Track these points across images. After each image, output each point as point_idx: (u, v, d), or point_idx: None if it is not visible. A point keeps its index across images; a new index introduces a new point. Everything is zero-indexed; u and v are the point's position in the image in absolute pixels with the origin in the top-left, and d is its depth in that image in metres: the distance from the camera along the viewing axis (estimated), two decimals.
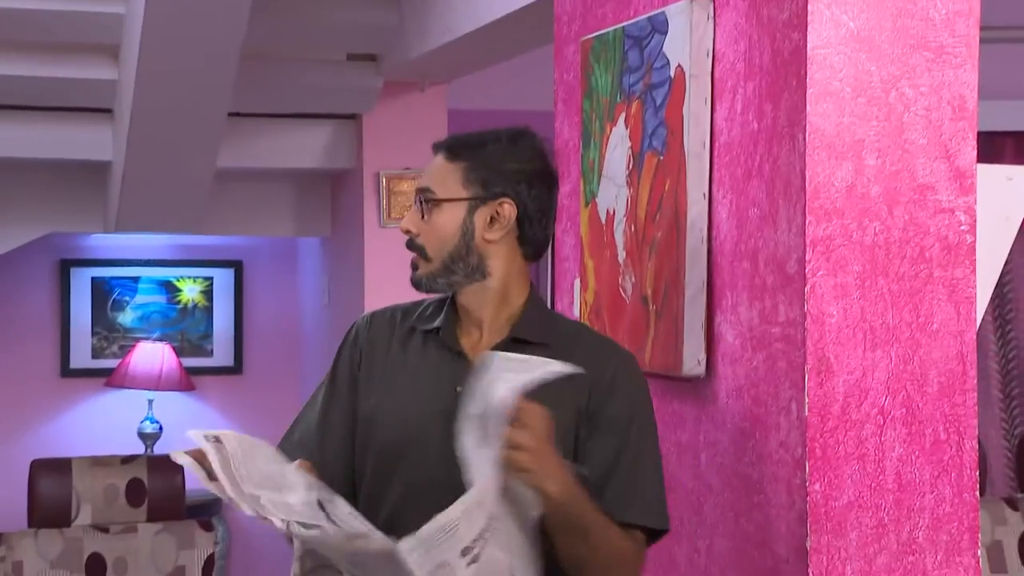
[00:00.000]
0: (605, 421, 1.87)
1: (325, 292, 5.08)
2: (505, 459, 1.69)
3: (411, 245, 1.93)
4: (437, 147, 1.95)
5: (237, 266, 5.34)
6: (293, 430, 2.04)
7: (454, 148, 1.92)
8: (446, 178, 1.90)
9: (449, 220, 1.90)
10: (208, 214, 4.52)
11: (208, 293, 5.29)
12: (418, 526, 1.69)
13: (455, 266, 1.90)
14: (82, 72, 3.99)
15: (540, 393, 1.79)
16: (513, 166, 1.90)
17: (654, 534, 1.91)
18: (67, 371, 5.05)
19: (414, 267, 1.94)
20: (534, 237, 1.92)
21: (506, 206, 1.90)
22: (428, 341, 1.96)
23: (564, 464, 1.77)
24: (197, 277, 5.30)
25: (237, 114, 4.19)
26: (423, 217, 1.91)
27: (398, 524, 1.78)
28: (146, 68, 3.62)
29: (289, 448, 1.97)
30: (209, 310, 5.30)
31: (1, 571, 3.99)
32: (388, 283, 4.32)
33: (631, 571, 1.87)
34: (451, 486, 1.77)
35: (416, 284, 1.95)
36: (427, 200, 1.91)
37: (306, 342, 5.36)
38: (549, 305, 2.26)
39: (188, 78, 3.68)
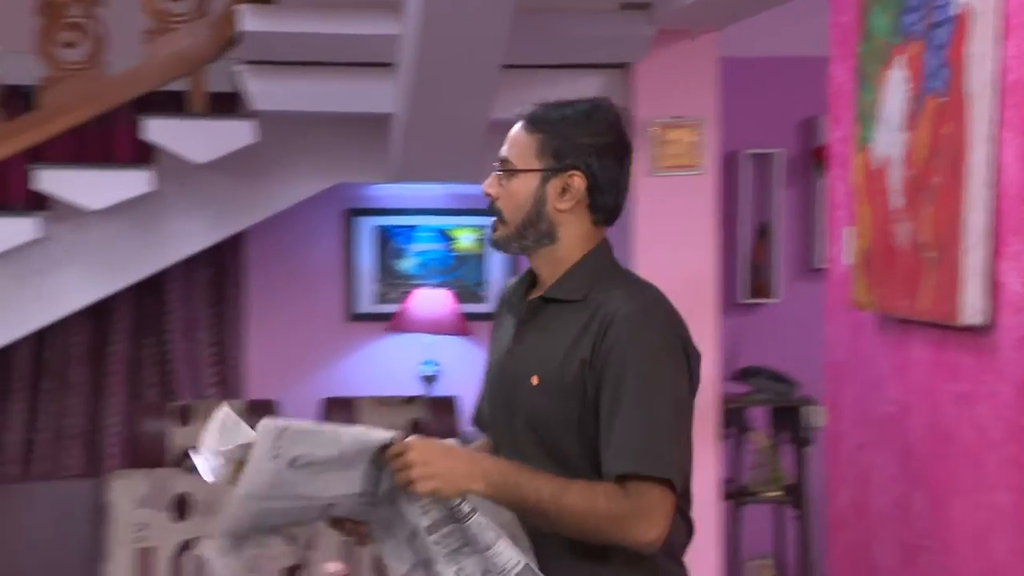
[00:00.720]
0: (606, 375, 1.92)
1: None
2: (400, 483, 1.88)
3: (491, 208, 2.06)
4: (519, 116, 2.07)
5: None
6: None
7: (532, 120, 2.03)
8: (523, 149, 2.02)
9: (523, 188, 2.01)
10: (482, 164, 4.65)
11: (482, 241, 5.46)
12: None
13: (527, 231, 2.02)
14: (365, 28, 4.17)
15: (569, 351, 1.94)
16: (585, 140, 1.99)
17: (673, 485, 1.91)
18: (353, 315, 5.32)
19: (494, 229, 2.06)
20: (604, 205, 2.02)
21: (576, 178, 2.00)
22: (508, 307, 2.13)
23: (477, 458, 1.90)
24: (471, 226, 5.47)
25: (511, 66, 4.29)
26: (503, 183, 2.03)
27: None
28: (427, 23, 3.75)
29: (475, 408, 2.24)
30: (482, 258, 5.47)
31: None
32: (658, 230, 4.35)
33: (625, 526, 1.87)
34: (507, 455, 1.98)
35: (494, 245, 2.08)
36: (505, 169, 2.03)
37: None
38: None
39: (466, 32, 3.80)
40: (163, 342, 4.99)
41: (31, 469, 4.92)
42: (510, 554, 1.88)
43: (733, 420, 4.77)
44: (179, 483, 4.20)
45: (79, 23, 4.14)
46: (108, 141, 4.86)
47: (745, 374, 4.84)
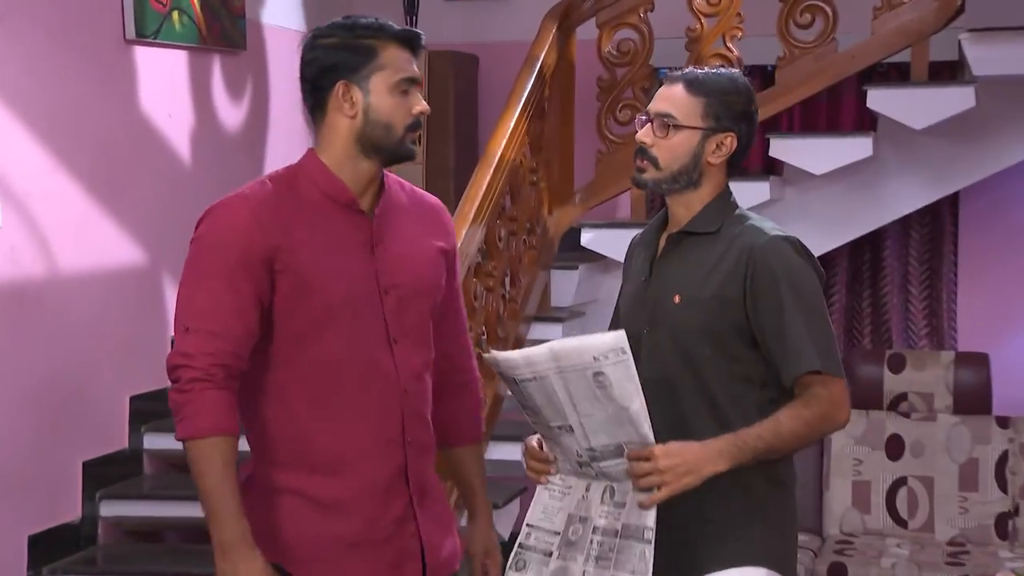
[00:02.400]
0: (758, 292, 2.25)
1: None
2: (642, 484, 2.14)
3: (643, 153, 2.35)
4: (674, 79, 2.36)
5: None
6: None
7: (693, 83, 2.34)
8: (687, 109, 2.33)
9: (685, 142, 2.33)
10: None
11: None
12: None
13: (680, 178, 2.34)
14: None
15: (709, 271, 2.27)
16: (739, 107, 2.34)
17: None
18: None
19: (641, 170, 2.36)
20: (739, 161, 2.38)
21: (730, 138, 2.34)
22: (641, 245, 2.46)
23: (706, 444, 2.17)
24: None
25: None
26: (662, 135, 2.32)
27: None
28: None
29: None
30: None
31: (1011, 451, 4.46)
32: None
33: (829, 420, 2.23)
34: (647, 359, 2.27)
35: (640, 184, 2.39)
36: (669, 124, 2.32)
37: None
38: None
39: None
40: (878, 294, 5.32)
41: None
42: None
43: None
44: (892, 425, 4.55)
45: (815, 5, 4.57)
46: (835, 111, 5.27)
47: None
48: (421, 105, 2.24)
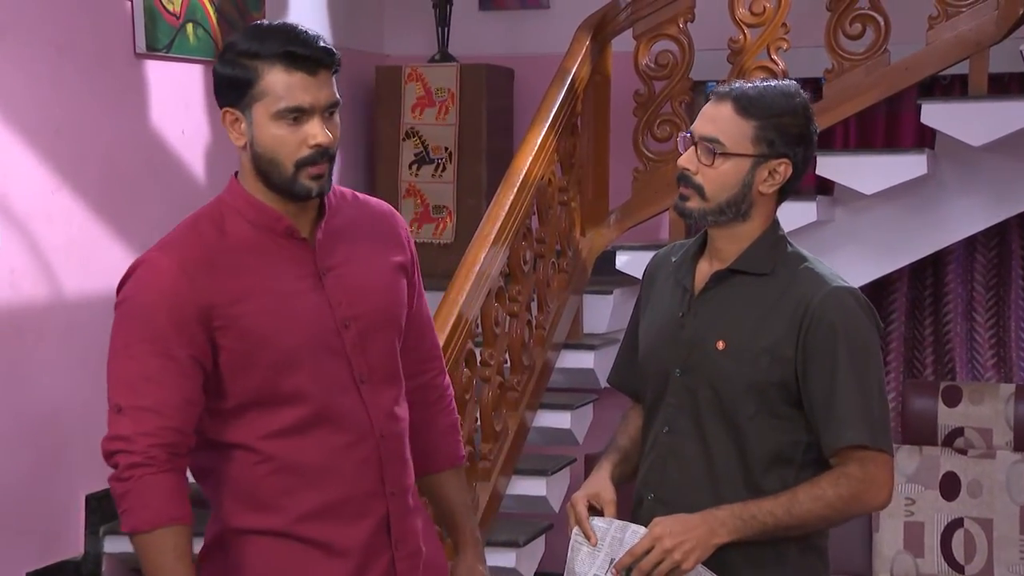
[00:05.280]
0: (812, 349, 2.06)
1: None
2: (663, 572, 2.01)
3: (687, 181, 2.12)
4: (722, 96, 2.11)
5: None
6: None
7: (743, 103, 2.09)
8: (736, 133, 2.08)
9: (734, 171, 2.08)
10: None
11: None
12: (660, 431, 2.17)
13: (728, 209, 2.10)
14: None
15: (760, 319, 2.08)
16: (794, 130, 2.09)
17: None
18: None
19: (685, 198, 2.13)
20: (793, 188, 2.15)
21: (784, 166, 2.10)
22: (673, 273, 2.22)
23: (707, 515, 2.02)
24: None
25: None
26: (707, 162, 2.09)
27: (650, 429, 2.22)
28: None
29: (613, 369, 2.38)
30: None
31: None
32: None
33: (859, 502, 2.03)
34: (676, 405, 2.13)
35: (686, 214, 2.14)
36: (717, 151, 2.08)
37: None
38: None
39: None
40: (940, 322, 5.00)
41: None
42: None
43: None
44: (947, 463, 4.26)
45: (866, 14, 4.30)
46: (894, 127, 4.99)
47: None
48: (320, 136, 1.94)
